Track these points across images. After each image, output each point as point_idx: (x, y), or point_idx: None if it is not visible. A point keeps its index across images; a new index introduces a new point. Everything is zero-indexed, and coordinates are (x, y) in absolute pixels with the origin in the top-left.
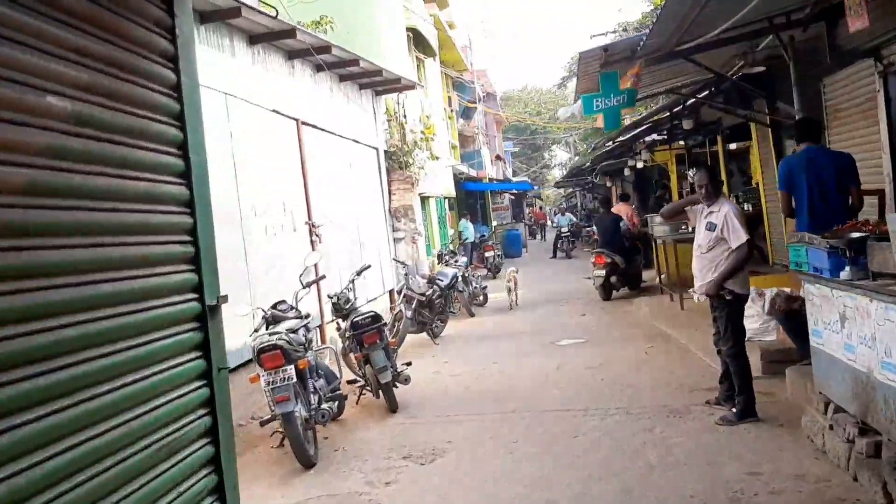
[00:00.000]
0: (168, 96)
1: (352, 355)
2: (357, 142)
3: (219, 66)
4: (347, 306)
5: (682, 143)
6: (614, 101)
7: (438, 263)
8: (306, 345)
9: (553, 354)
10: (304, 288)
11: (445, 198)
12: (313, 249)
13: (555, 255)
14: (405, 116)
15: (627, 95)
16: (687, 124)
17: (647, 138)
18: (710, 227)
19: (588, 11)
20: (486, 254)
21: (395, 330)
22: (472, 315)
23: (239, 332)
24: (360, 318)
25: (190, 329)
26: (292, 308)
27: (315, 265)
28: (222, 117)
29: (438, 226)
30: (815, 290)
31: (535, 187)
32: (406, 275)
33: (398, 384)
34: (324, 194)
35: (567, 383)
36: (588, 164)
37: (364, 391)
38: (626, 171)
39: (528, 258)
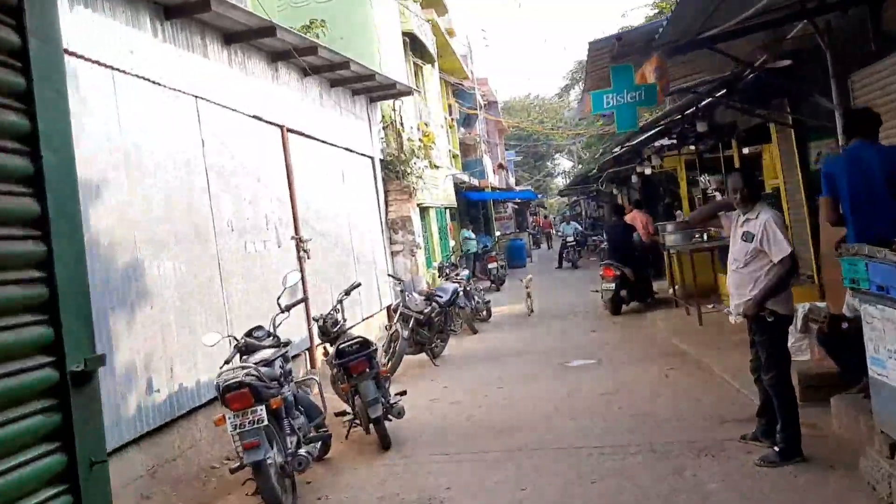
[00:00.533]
0: (3, 66)
1: (340, 385)
2: (350, 150)
3: (187, 67)
4: (335, 329)
5: (692, 147)
6: (628, 97)
7: (439, 276)
8: (283, 378)
9: (563, 378)
10: (282, 312)
11: (446, 208)
12: (301, 266)
13: (560, 266)
14: (402, 124)
15: (645, 91)
16: (701, 127)
17: (657, 143)
18: (747, 237)
19: (590, 17)
20: (490, 265)
21: (390, 351)
22: (474, 332)
23: (210, 363)
24: (347, 344)
25: (40, 410)
26: (270, 335)
27: (302, 284)
28: (192, 122)
29: (439, 237)
30: (878, 311)
31: (539, 196)
32: (402, 291)
33: (391, 417)
34: (313, 207)
35: (580, 413)
36: (595, 170)
37: (354, 425)
38: (634, 178)
39: (532, 268)
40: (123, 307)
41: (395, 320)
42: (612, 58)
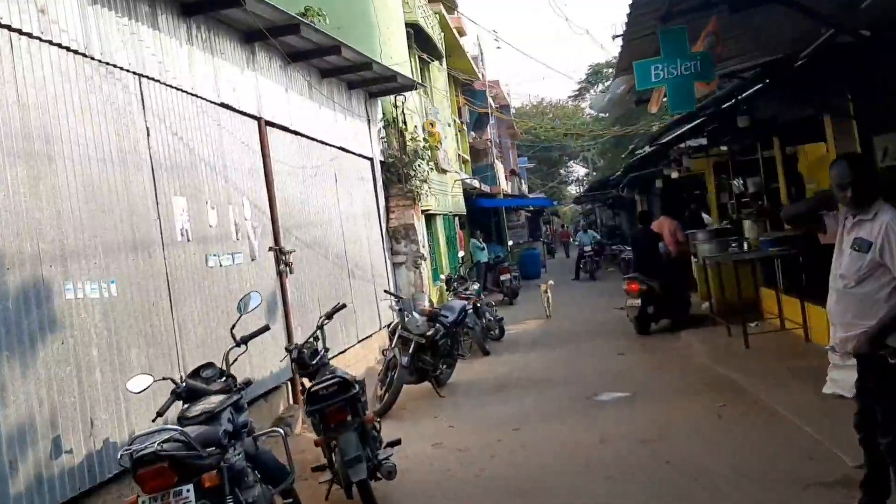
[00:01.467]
0: None
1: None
2: (345, 150)
3: (128, 38)
4: (315, 361)
5: (722, 148)
6: (682, 68)
7: (447, 291)
8: (228, 439)
9: (592, 417)
10: (238, 345)
11: (455, 215)
12: (282, 283)
13: (577, 277)
14: (405, 122)
15: (701, 62)
16: (742, 122)
17: (685, 143)
18: (861, 245)
19: (611, 13)
20: (502, 277)
21: (387, 382)
22: (486, 353)
23: (150, 408)
24: (322, 385)
25: None
26: (222, 374)
27: (283, 303)
28: (132, 106)
29: (447, 247)
30: None
31: (555, 203)
32: (400, 311)
33: (380, 476)
34: (298, 213)
35: (618, 469)
36: (618, 172)
37: (334, 483)
38: (658, 183)
39: (547, 280)
40: (18, 344)
41: (392, 345)
42: (662, 18)
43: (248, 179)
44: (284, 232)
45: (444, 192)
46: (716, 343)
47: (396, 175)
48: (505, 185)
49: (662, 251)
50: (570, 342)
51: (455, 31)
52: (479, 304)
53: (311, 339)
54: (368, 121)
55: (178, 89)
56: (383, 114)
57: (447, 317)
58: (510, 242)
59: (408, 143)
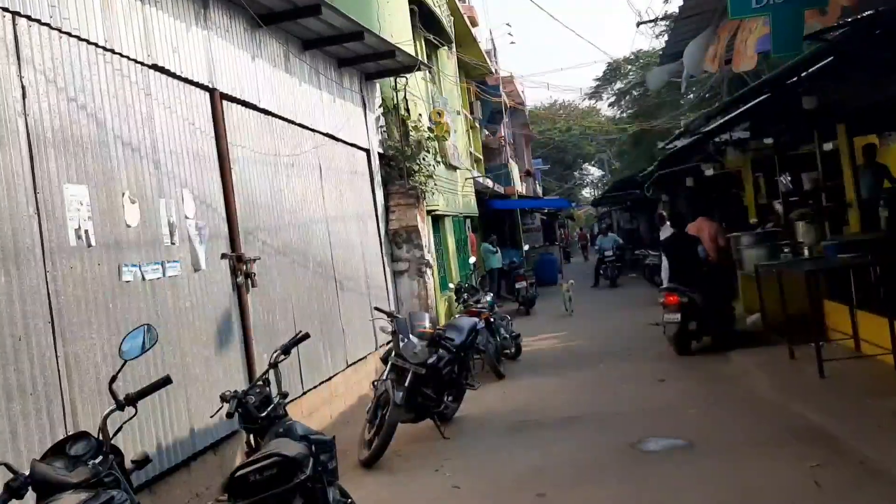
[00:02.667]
0: None
1: None
2: (334, 137)
3: None
4: (266, 412)
5: (766, 141)
6: None
7: (456, 302)
8: None
9: (640, 478)
10: (121, 407)
11: (466, 217)
12: (241, 298)
13: (596, 284)
14: (408, 109)
15: None
16: (808, 103)
17: (724, 136)
18: None
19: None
20: (518, 285)
21: (375, 423)
22: (500, 376)
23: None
24: (253, 469)
25: None
26: (101, 449)
27: (242, 328)
28: None
29: (456, 252)
30: None
31: (573, 205)
32: (394, 333)
33: None
34: (265, 211)
35: None
36: (651, 168)
37: None
38: (689, 182)
39: (568, 279)
40: None
41: (383, 376)
42: None
43: (193, 166)
44: (246, 235)
45: (454, 190)
46: (778, 369)
47: (398, 170)
48: (520, 187)
49: (702, 255)
50: (598, 362)
51: (468, 21)
52: (492, 320)
53: (260, 383)
54: (364, 105)
55: (80, 39)
56: (382, 100)
57: (453, 339)
58: (525, 247)
59: (411, 134)
